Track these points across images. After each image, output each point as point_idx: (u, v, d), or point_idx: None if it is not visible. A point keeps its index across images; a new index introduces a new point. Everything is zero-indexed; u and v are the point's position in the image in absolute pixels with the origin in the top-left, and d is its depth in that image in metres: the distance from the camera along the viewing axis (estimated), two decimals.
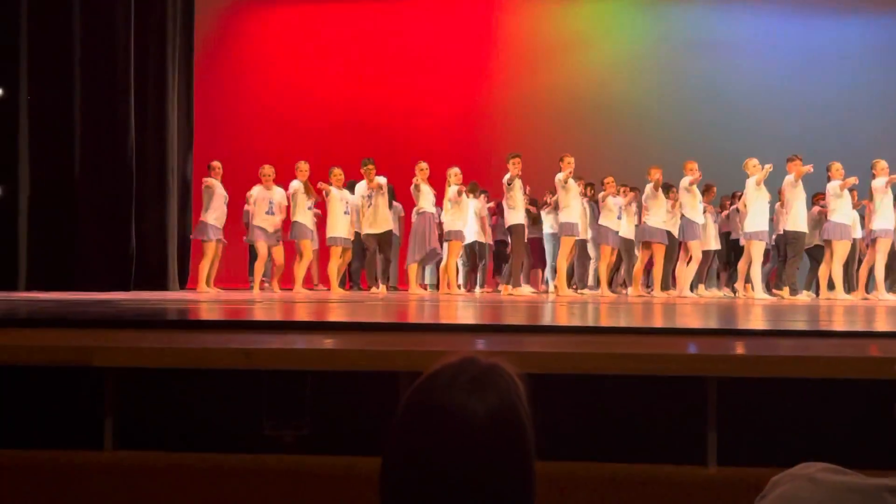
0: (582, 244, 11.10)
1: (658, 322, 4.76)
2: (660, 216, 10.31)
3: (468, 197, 10.67)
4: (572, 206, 10.23)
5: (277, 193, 10.16)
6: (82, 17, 8.92)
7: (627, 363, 2.63)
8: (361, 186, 10.36)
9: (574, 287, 11.00)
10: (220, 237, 10.13)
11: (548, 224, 11.25)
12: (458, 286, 10.97)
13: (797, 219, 9.80)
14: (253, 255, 10.72)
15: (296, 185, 10.11)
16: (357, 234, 10.47)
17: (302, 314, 5.21)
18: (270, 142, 12.03)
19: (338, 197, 10.18)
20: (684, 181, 10.29)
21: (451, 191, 10.31)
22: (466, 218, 10.69)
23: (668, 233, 10.40)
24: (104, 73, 9.05)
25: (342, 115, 12.79)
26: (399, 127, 12.67)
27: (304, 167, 10.13)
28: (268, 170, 10.17)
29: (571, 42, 13.54)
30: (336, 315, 5.14)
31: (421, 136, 12.46)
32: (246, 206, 10.63)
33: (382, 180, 10.26)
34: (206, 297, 8.13)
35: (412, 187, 10.29)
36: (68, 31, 8.85)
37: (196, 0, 10.78)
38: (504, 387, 1.14)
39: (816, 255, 10.47)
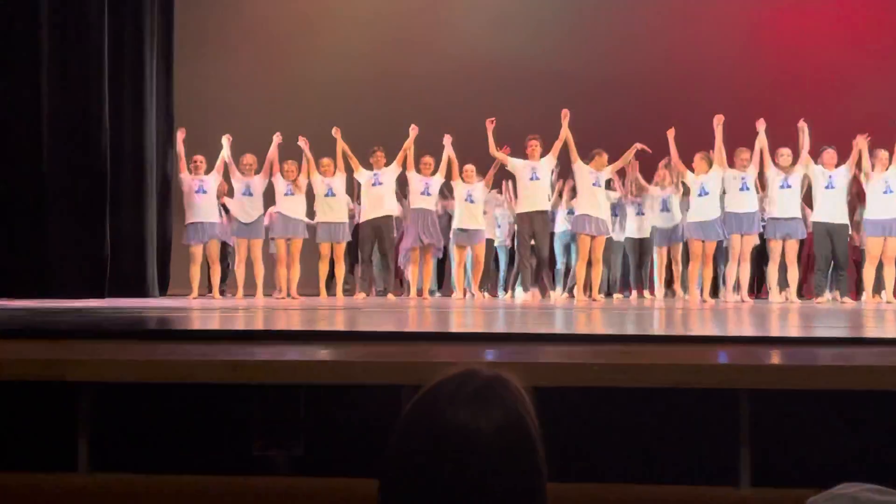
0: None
1: (681, 330, 4.77)
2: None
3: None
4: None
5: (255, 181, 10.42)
6: None
7: (650, 375, 2.64)
8: (366, 174, 10.56)
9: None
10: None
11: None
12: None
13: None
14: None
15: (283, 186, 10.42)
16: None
17: (293, 323, 5.22)
18: (259, 129, 12.07)
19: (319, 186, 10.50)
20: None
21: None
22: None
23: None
24: (74, 60, 9.01)
25: (334, 96, 12.90)
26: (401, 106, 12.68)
27: (288, 167, 10.46)
28: (248, 158, 10.40)
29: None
30: (331, 323, 5.15)
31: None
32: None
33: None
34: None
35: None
36: (34, 13, 8.84)
37: None
38: (509, 400, 1.14)
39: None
